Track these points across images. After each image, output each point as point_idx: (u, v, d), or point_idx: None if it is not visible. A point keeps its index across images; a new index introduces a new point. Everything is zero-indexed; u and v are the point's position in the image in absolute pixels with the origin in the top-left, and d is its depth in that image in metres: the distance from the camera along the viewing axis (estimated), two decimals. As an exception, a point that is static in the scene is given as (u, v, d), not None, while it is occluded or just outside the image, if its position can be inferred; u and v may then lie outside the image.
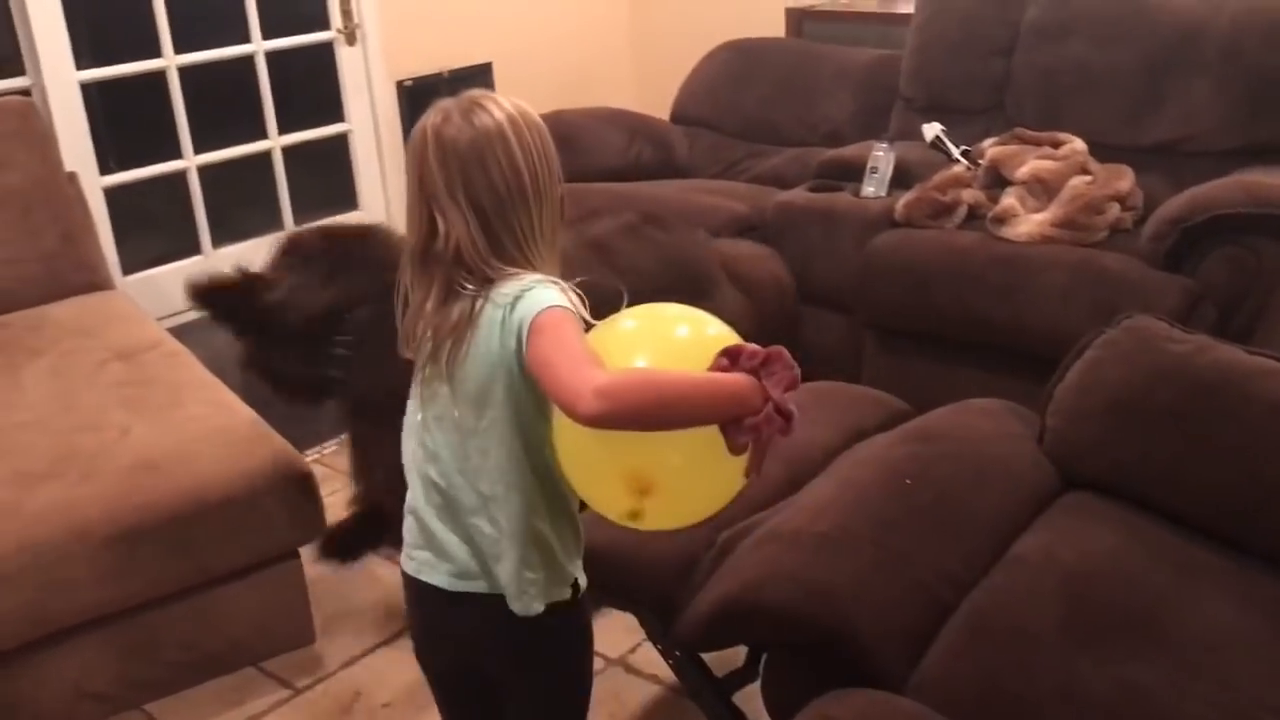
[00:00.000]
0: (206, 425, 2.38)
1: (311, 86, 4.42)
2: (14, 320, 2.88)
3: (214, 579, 2.28)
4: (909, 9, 3.85)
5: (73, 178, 3.21)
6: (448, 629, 1.48)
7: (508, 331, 1.29)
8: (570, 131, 3.84)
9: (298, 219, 4.34)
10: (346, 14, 4.36)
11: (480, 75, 4.85)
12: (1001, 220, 2.96)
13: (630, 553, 1.72)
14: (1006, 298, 2.80)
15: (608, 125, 3.95)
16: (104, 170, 3.78)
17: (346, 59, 4.43)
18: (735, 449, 1.22)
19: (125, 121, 3.90)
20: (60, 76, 3.63)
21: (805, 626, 1.55)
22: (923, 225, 3.04)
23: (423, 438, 1.41)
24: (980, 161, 3.24)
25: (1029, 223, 2.94)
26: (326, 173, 4.53)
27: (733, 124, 4.05)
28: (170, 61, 3.89)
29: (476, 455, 1.36)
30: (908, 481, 1.76)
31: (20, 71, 3.62)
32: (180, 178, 3.98)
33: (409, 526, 1.48)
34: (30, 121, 3.08)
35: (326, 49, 4.38)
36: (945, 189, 3.11)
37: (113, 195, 3.80)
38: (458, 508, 1.39)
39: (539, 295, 1.28)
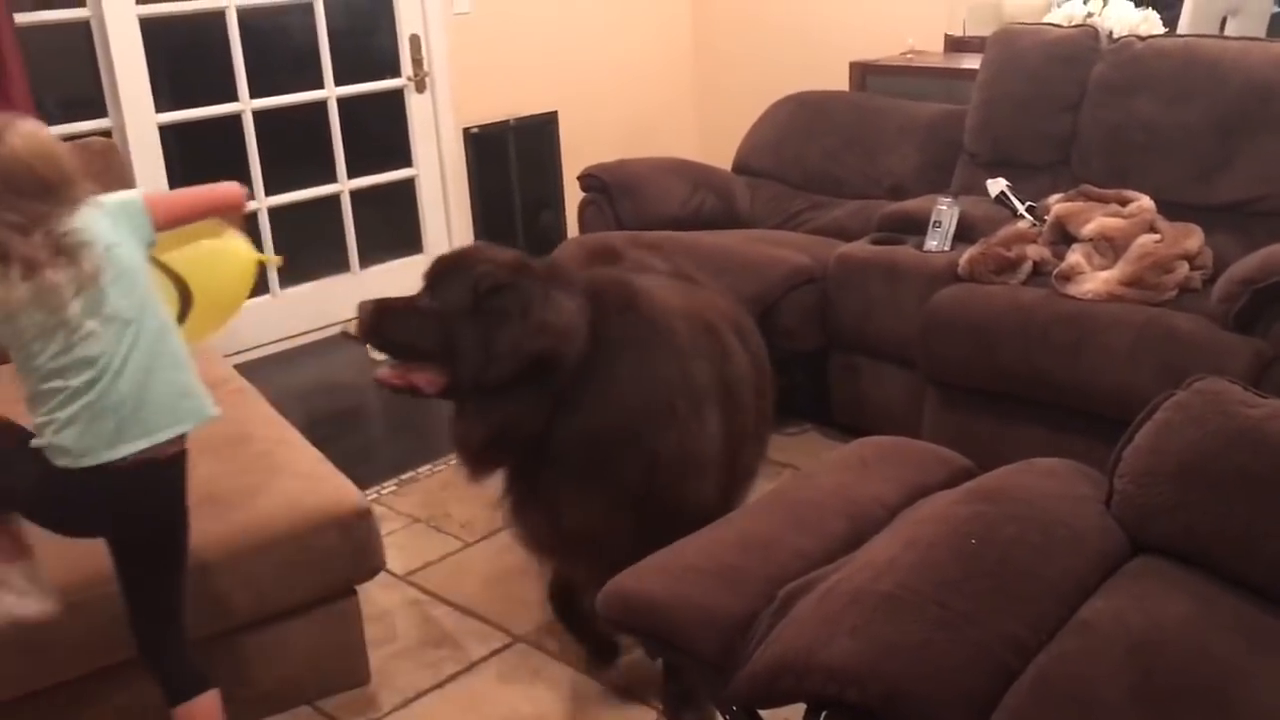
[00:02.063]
0: (269, 461, 2.42)
1: (380, 132, 4.51)
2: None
3: (272, 615, 2.30)
4: (974, 64, 3.85)
5: (149, 216, 3.28)
6: None
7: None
8: (633, 181, 3.87)
9: (364, 261, 4.41)
10: (417, 62, 4.46)
11: (546, 124, 4.93)
12: (1067, 277, 2.93)
13: (688, 606, 1.70)
14: (1072, 356, 2.77)
15: (670, 175, 3.97)
16: (178, 210, 3.87)
17: (416, 106, 4.52)
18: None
19: (200, 162, 4.00)
20: (140, 118, 3.74)
21: (865, 687, 1.52)
22: (987, 281, 3.01)
23: None
24: (1045, 217, 3.22)
25: (1095, 280, 2.90)
26: (392, 216, 4.61)
27: (795, 175, 4.07)
28: (245, 105, 3.99)
29: None
30: (972, 541, 1.73)
31: (103, 113, 3.74)
32: (251, 219, 4.07)
33: None
34: (111, 162, 3.16)
35: (396, 96, 4.48)
36: (1010, 244, 3.09)
37: (186, 234, 3.89)
38: None
39: None
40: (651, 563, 1.79)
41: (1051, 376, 2.81)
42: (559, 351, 2.00)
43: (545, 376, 2.01)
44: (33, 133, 1.77)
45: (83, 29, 3.68)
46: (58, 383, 1.74)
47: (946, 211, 3.22)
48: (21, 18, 3.41)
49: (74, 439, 1.75)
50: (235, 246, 2.16)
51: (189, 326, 2.05)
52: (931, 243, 3.20)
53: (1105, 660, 1.54)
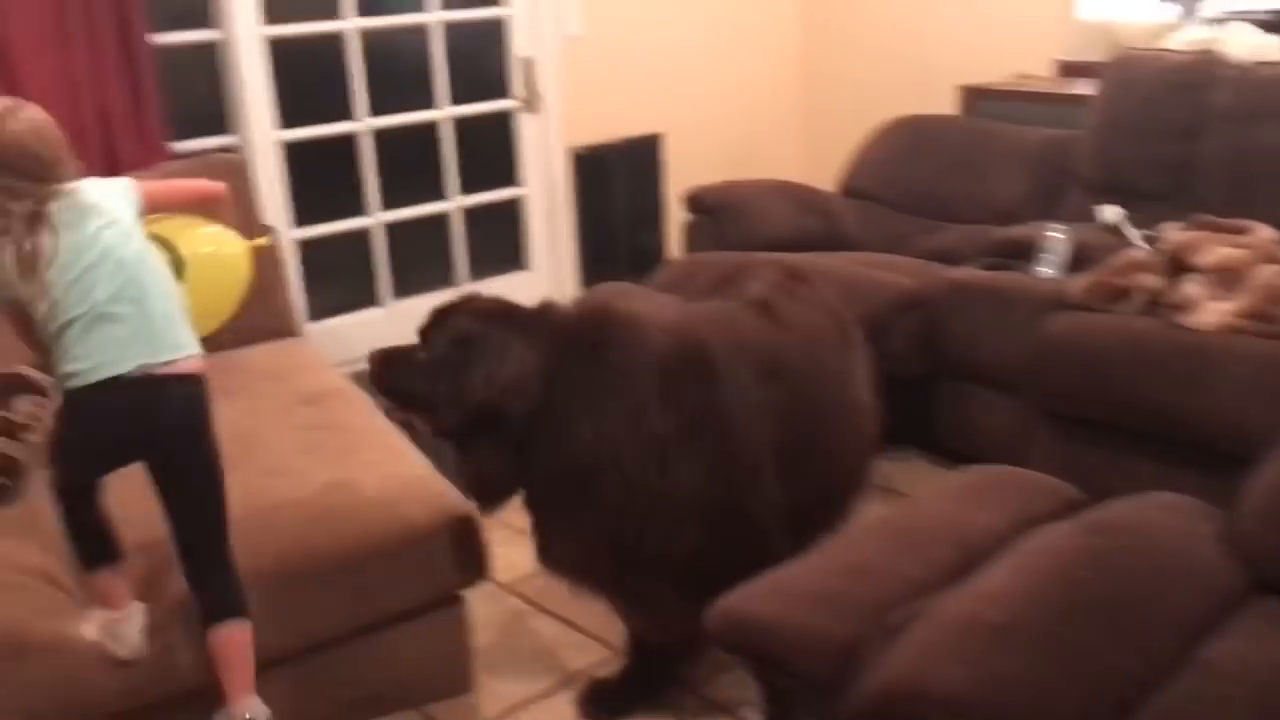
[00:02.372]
0: (379, 471, 2.48)
1: (490, 151, 4.60)
2: (212, 361, 3.05)
3: (380, 621, 2.36)
4: (1087, 89, 3.79)
5: (270, 230, 3.40)
6: None
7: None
8: (739, 202, 3.90)
9: (472, 277, 4.50)
10: (529, 84, 4.54)
11: (651, 145, 4.97)
12: (1184, 308, 2.87)
13: (798, 629, 1.71)
14: (1188, 388, 2.71)
15: (776, 197, 3.99)
16: (297, 224, 4.00)
17: (526, 126, 4.60)
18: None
19: (318, 179, 4.13)
20: (263, 136, 3.87)
21: (975, 716, 1.51)
22: (1100, 310, 2.96)
23: None
24: (1161, 247, 3.15)
25: (1213, 312, 2.84)
26: (499, 233, 4.69)
27: (903, 199, 4.05)
28: (363, 124, 4.11)
29: None
30: (1087, 574, 1.71)
31: (229, 131, 3.89)
32: (365, 233, 4.18)
33: None
34: (238, 178, 3.28)
35: (507, 116, 4.56)
36: (1124, 274, 3.03)
37: (303, 247, 4.02)
38: None
39: None
40: (761, 585, 1.81)
41: (1166, 409, 2.75)
42: (500, 404, 2.04)
43: (498, 426, 2.05)
44: (32, 117, 1.98)
45: (212, 50, 3.83)
46: (64, 323, 1.95)
47: (1059, 238, 3.18)
48: (157, 38, 3.56)
49: (83, 359, 1.95)
50: (226, 231, 2.38)
51: (187, 298, 2.17)
52: (1043, 270, 3.16)
53: (1226, 702, 1.52)
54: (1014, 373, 3.04)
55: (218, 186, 2.34)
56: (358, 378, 3.50)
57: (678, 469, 2.07)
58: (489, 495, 2.18)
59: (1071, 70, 4.32)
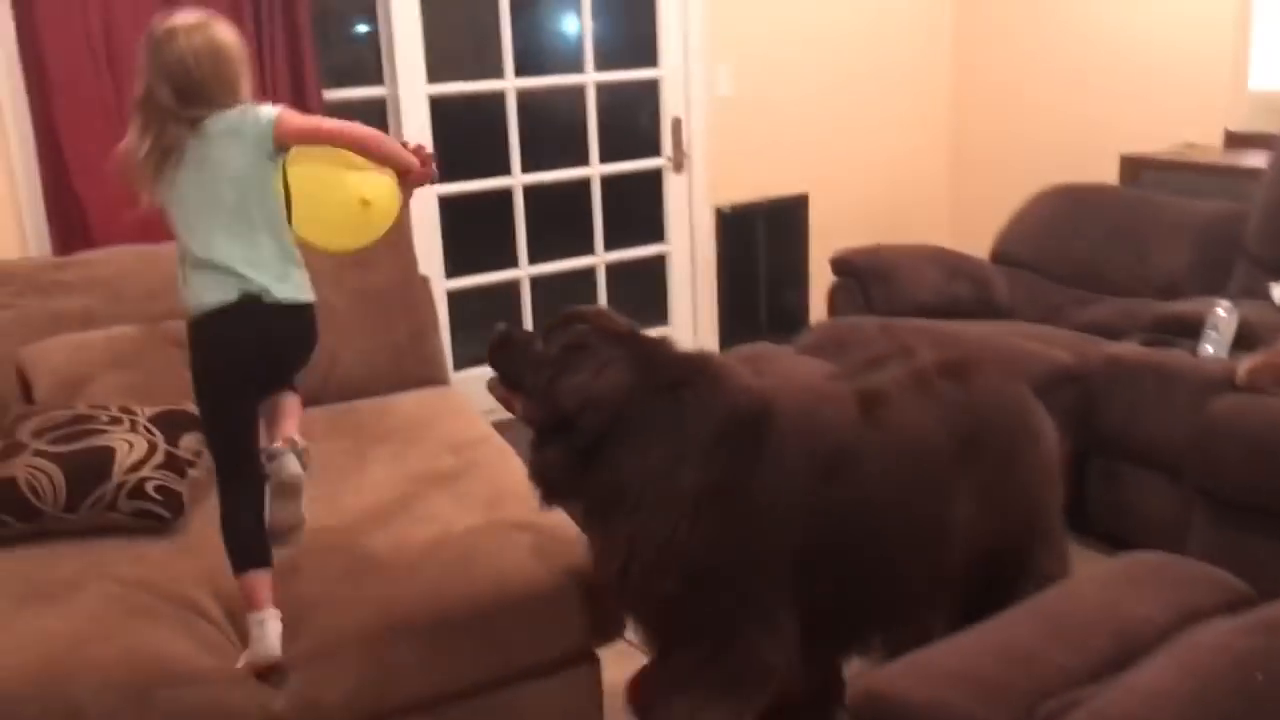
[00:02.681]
0: (520, 522, 2.50)
1: (637, 208, 4.67)
2: (363, 407, 3.16)
3: (513, 675, 2.36)
4: (1257, 162, 3.65)
5: (424, 281, 3.50)
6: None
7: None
8: (887, 267, 3.86)
9: (614, 332, 4.55)
10: (677, 144, 4.60)
11: (797, 206, 4.98)
12: (1362, 394, 2.72)
13: (945, 714, 1.66)
14: (1365, 480, 2.55)
15: (925, 262, 3.93)
16: (449, 275, 4.12)
17: (672, 185, 4.66)
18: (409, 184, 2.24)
19: (471, 231, 4.25)
20: (422, 190, 4.00)
21: (1136, 822, 1.44)
22: (1269, 393, 2.82)
23: None
24: (1337, 328, 3.00)
25: (1394, 400, 2.68)
26: (643, 289, 4.74)
27: (1058, 268, 3.95)
28: (517, 180, 4.22)
29: None
30: (1258, 677, 1.61)
31: (390, 182, 4.03)
32: (512, 286, 4.28)
33: None
34: (397, 230, 3.39)
35: (655, 174, 4.63)
36: (1295, 355, 2.89)
37: (454, 297, 4.13)
38: None
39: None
40: (908, 663, 1.76)
41: (1341, 500, 2.60)
42: (579, 415, 2.07)
43: (573, 432, 2.09)
44: (210, 38, 2.10)
45: (379, 106, 4.00)
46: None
47: (1225, 316, 3.05)
48: (328, 94, 3.73)
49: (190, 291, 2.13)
50: (351, 178, 2.16)
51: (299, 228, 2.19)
52: (1207, 348, 3.03)
53: None
54: (1174, 454, 2.91)
55: (373, 135, 2.19)
56: (503, 426, 3.57)
57: (694, 523, 2.05)
58: (547, 491, 2.21)
59: (1241, 142, 4.17)
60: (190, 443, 2.58)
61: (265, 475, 2.18)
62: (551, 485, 2.18)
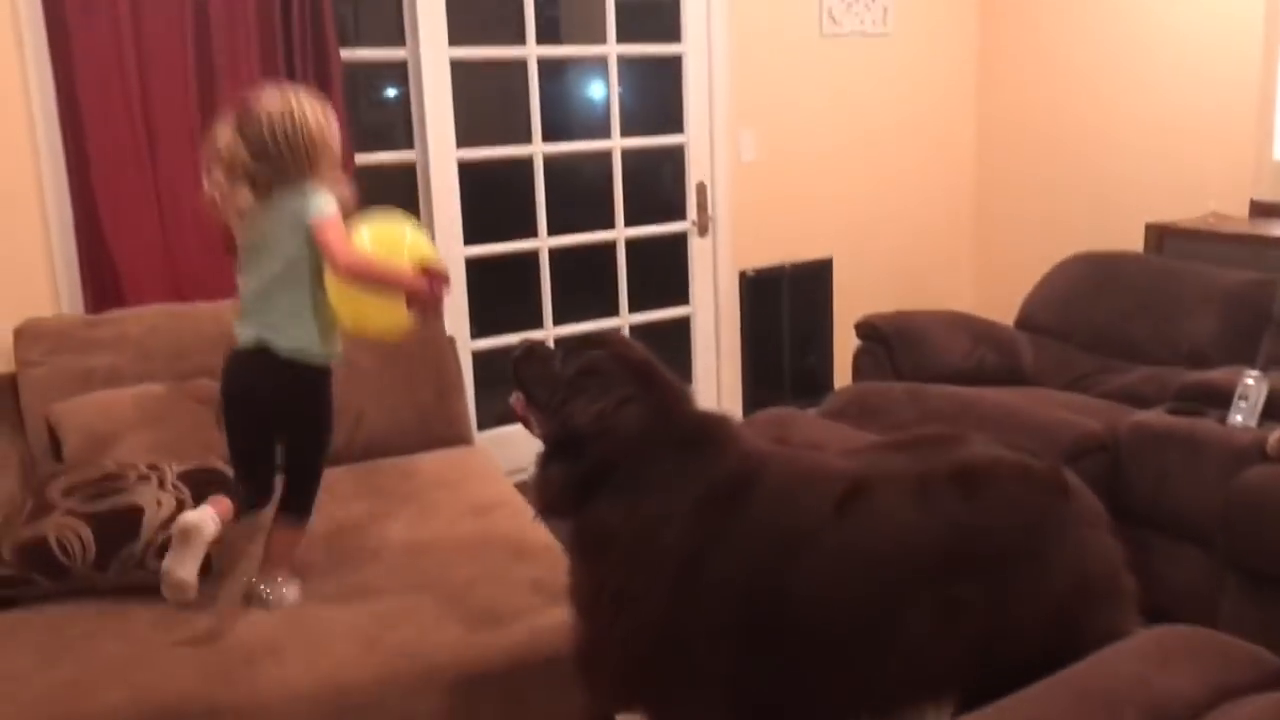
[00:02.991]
0: (540, 584, 2.50)
1: (662, 271, 4.70)
2: (388, 466, 3.17)
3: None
4: (1286, 231, 3.65)
5: (450, 340, 3.52)
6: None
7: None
8: (912, 332, 3.85)
9: (637, 394, 4.56)
10: (702, 207, 4.64)
11: (820, 269, 5.00)
12: (1396, 467, 2.68)
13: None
14: (1402, 554, 2.51)
15: (950, 327, 3.93)
16: (474, 335, 4.14)
17: (697, 248, 4.69)
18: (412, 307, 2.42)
19: (498, 292, 4.28)
20: (451, 250, 4.05)
21: None
22: (1300, 463, 2.79)
23: None
24: (1368, 399, 2.97)
25: None
26: (665, 350, 4.72)
27: (1084, 335, 3.93)
28: (543, 243, 4.26)
29: None
30: (1297, 756, 1.58)
31: (418, 244, 4.07)
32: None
33: None
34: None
35: (680, 238, 4.66)
36: (1327, 426, 2.86)
37: (479, 357, 4.15)
38: None
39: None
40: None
41: (1377, 575, 2.55)
42: (590, 438, 2.06)
43: (579, 456, 2.08)
44: (301, 112, 2.36)
45: (409, 169, 4.05)
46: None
47: (1254, 386, 3.03)
48: (360, 157, 3.78)
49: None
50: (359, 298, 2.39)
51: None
52: (1237, 417, 3.00)
53: None
54: (1205, 525, 2.88)
55: (371, 267, 2.37)
56: (524, 487, 3.57)
57: (661, 588, 2.01)
58: (543, 507, 2.19)
59: (1266, 211, 4.17)
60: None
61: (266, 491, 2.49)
62: (548, 503, 2.18)
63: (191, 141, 3.44)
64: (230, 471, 2.56)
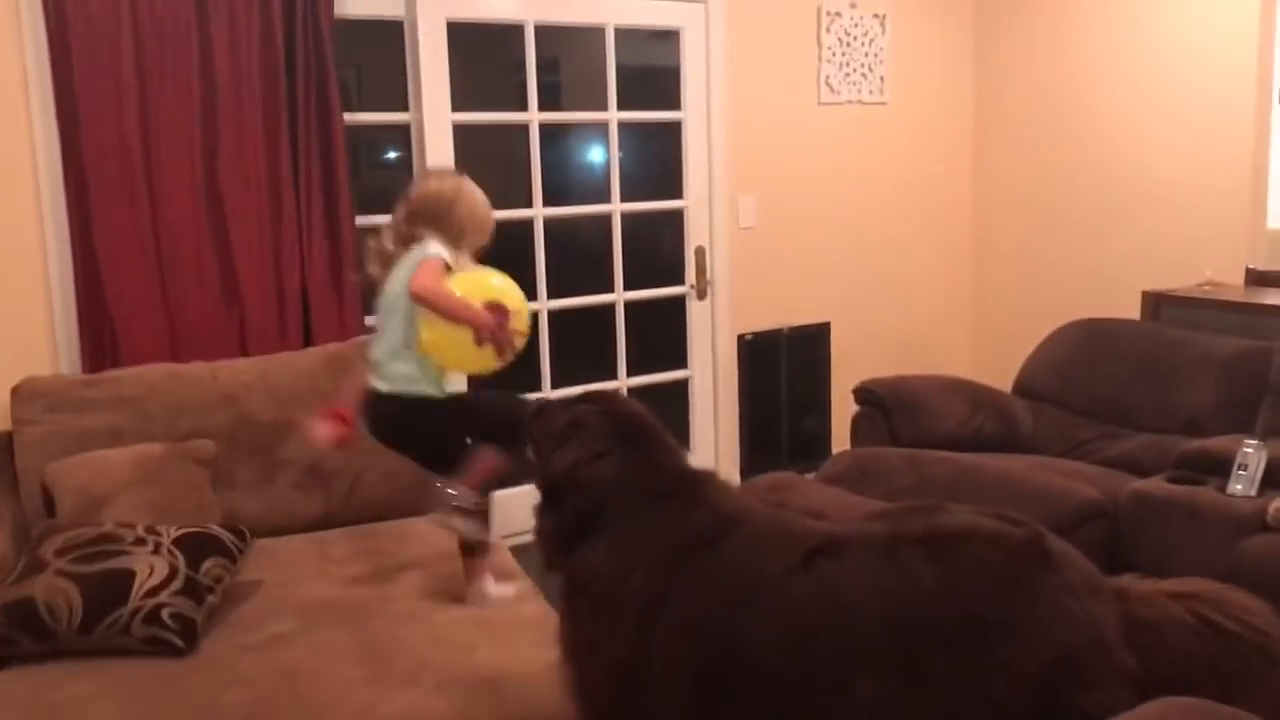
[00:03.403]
0: (541, 649, 2.46)
1: (661, 334, 4.70)
2: (383, 530, 3.15)
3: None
4: (1278, 299, 3.66)
5: (449, 403, 3.51)
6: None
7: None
8: (911, 397, 3.86)
9: (634, 457, 4.54)
10: (700, 271, 4.66)
11: (819, 334, 5.02)
12: (1398, 537, 2.67)
13: None
14: (1406, 626, 2.49)
15: (949, 393, 3.93)
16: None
17: (695, 312, 4.71)
18: (479, 341, 2.67)
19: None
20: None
21: None
22: (1301, 532, 2.79)
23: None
24: (1368, 468, 2.96)
25: None
26: (664, 413, 4.71)
27: (1082, 402, 3.94)
28: (543, 305, 4.27)
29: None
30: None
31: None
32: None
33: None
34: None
35: (678, 302, 4.68)
36: (1327, 495, 2.86)
37: (476, 420, 4.13)
38: None
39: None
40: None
41: (1381, 647, 2.52)
42: (562, 491, 2.15)
43: (562, 506, 2.15)
44: (470, 191, 2.86)
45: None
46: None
47: (1253, 454, 3.03)
48: (360, 219, 3.80)
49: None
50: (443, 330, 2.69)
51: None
52: (1236, 486, 3.00)
53: None
54: (1206, 594, 2.86)
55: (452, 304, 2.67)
56: (519, 550, 3.54)
57: (630, 634, 2.02)
58: (543, 556, 2.22)
59: (1261, 279, 4.19)
60: (212, 567, 2.56)
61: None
62: (544, 551, 2.21)
63: (195, 204, 3.47)
64: (221, 534, 2.61)
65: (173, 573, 2.44)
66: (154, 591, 2.39)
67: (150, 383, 3.16)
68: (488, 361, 2.74)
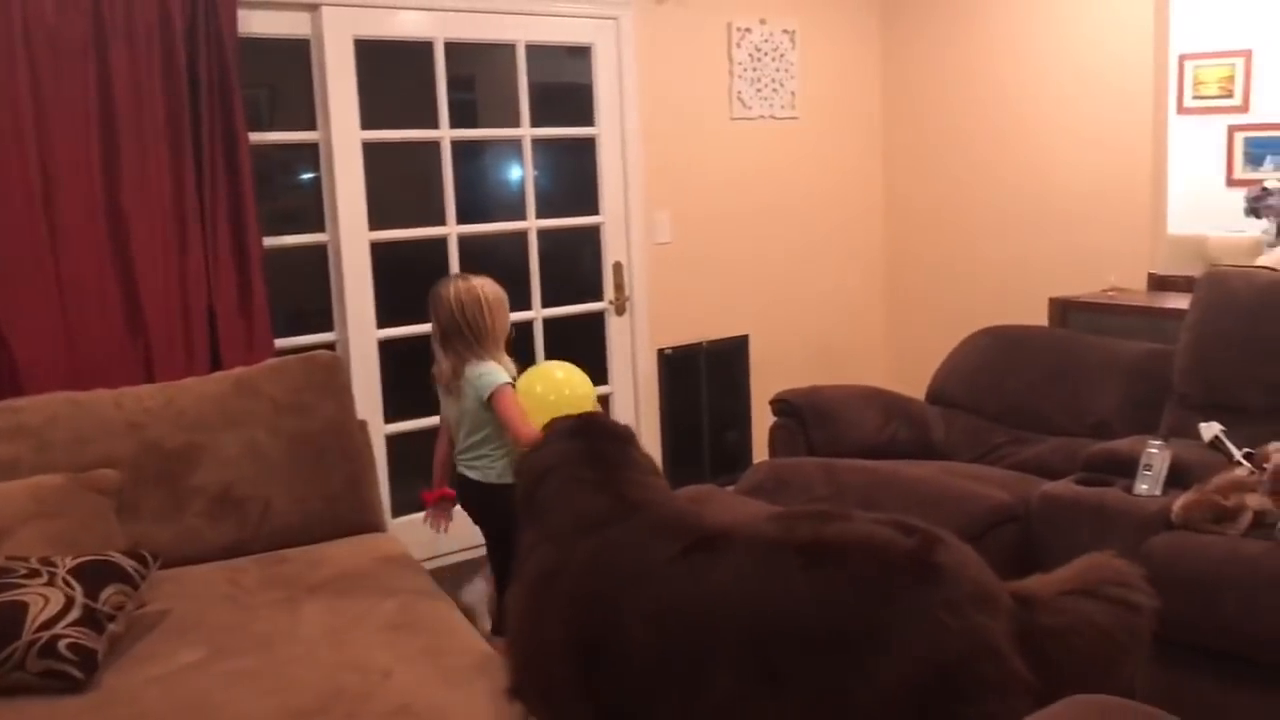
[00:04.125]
0: (462, 676, 2.42)
1: (580, 350, 4.68)
2: (297, 556, 3.08)
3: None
4: (1179, 303, 3.77)
5: (363, 425, 3.47)
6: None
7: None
8: (826, 407, 3.89)
9: (555, 474, 4.52)
10: (619, 287, 4.67)
11: (737, 346, 5.05)
12: (1294, 530, 2.75)
13: None
14: (1303, 617, 2.56)
15: (863, 402, 3.97)
16: (387, 419, 4.08)
17: (615, 327, 4.71)
18: None
19: (412, 373, 4.22)
20: (363, 333, 4.01)
21: None
22: (1203, 530, 2.85)
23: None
24: (1265, 465, 3.04)
25: (1326, 536, 2.71)
26: (585, 431, 4.73)
27: (993, 408, 4.00)
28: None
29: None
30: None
31: (329, 327, 4.03)
32: (454, 429, 4.24)
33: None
34: (335, 374, 3.37)
35: (598, 317, 4.67)
36: (1227, 493, 2.92)
37: (393, 441, 4.09)
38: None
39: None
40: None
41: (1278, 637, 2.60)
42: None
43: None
44: (470, 289, 3.20)
45: (320, 250, 4.02)
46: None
47: (1157, 454, 3.10)
48: (267, 240, 3.74)
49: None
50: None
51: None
52: (1142, 486, 3.06)
53: None
54: (1115, 593, 2.91)
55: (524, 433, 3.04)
56: (439, 573, 3.50)
57: (516, 593, 2.29)
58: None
59: (1164, 284, 4.31)
60: (113, 595, 2.49)
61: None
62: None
63: (96, 228, 3.39)
64: (121, 561, 2.56)
65: (69, 603, 2.36)
66: (49, 623, 2.30)
67: (50, 412, 3.07)
68: None
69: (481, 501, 3.28)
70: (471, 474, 3.27)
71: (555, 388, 3.15)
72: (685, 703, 1.97)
